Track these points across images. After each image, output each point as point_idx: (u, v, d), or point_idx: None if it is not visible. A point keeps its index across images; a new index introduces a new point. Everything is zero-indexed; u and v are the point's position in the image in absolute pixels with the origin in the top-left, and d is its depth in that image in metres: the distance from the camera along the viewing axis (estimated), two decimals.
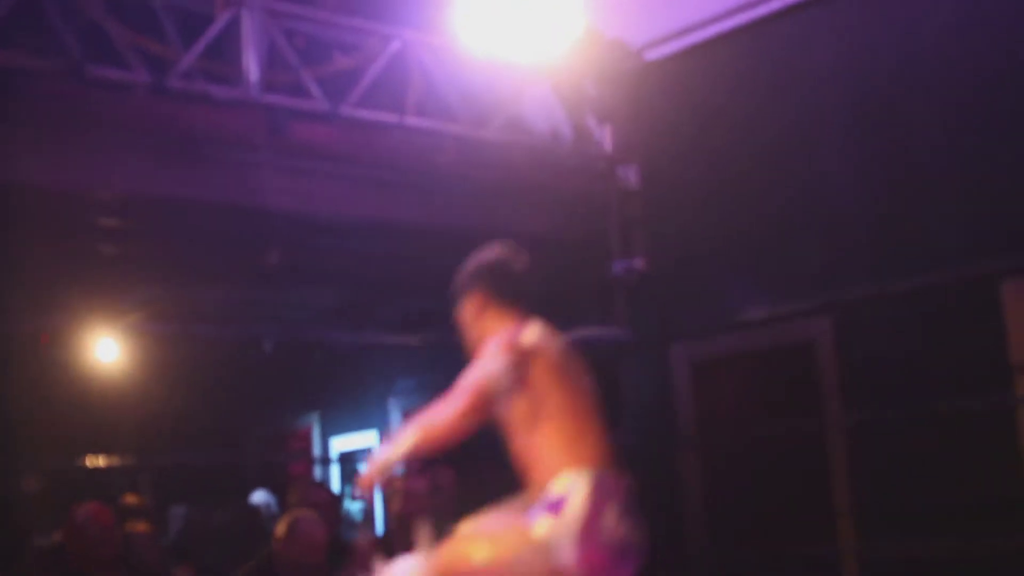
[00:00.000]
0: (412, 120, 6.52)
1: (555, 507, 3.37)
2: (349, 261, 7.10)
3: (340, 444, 9.93)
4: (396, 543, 5.99)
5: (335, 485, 9.83)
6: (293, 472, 9.43)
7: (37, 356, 8.26)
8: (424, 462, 7.14)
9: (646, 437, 6.77)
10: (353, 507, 9.66)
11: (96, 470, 6.54)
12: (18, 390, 9.08)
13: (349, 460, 9.80)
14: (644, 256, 6.95)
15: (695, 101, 6.85)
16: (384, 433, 9.21)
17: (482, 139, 6.66)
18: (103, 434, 9.45)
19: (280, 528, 5.55)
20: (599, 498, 3.42)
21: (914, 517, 5.76)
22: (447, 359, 8.15)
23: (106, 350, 7.29)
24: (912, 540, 5.72)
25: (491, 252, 4.01)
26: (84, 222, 6.24)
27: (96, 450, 8.20)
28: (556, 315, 6.70)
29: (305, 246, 6.69)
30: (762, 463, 6.49)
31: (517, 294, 3.98)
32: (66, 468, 5.16)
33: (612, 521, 3.45)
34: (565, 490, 3.39)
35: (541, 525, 3.35)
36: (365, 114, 6.35)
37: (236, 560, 5.90)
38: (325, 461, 10.02)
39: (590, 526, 3.37)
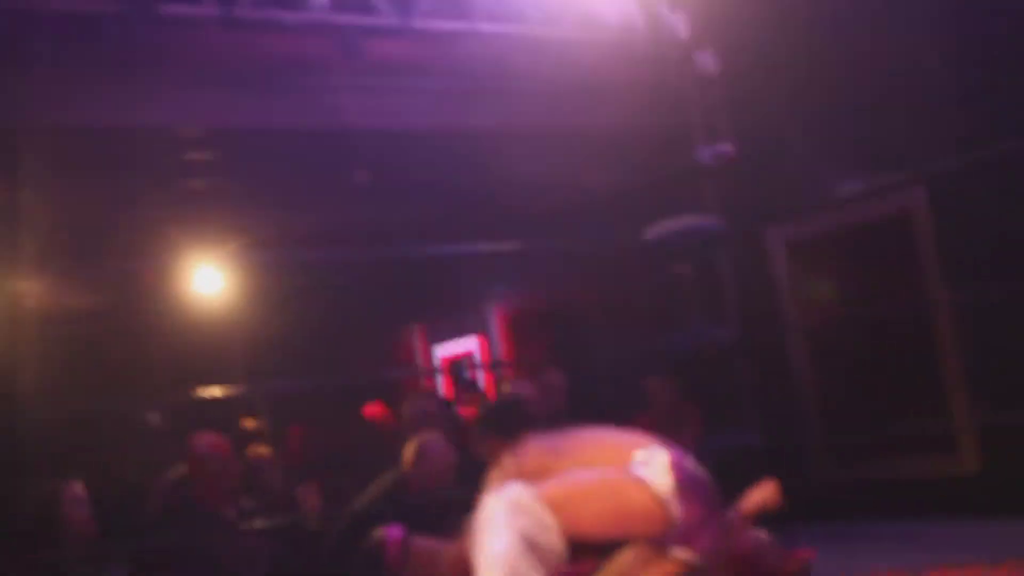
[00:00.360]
0: (483, 25, 6.46)
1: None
2: (434, 173, 7.12)
3: (443, 351, 10.05)
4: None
5: (441, 391, 9.98)
6: (403, 384, 9.57)
7: (145, 295, 8.45)
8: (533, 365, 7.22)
9: (751, 324, 6.75)
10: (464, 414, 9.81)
11: (213, 400, 6.68)
12: (131, 329, 9.33)
13: (455, 367, 9.93)
14: (730, 141, 6.85)
15: None
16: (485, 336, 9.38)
17: (554, 38, 6.58)
18: (215, 365, 9.69)
19: (408, 452, 5.63)
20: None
21: None
22: (541, 263, 8.25)
23: (209, 282, 7.42)
24: None
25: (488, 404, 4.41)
26: (174, 159, 6.34)
27: (210, 381, 8.40)
28: (647, 208, 6.72)
29: (390, 162, 6.73)
30: (867, 341, 6.43)
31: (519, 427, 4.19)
32: (185, 400, 5.28)
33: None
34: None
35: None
36: (436, 24, 6.30)
37: (358, 477, 6.01)
38: (430, 371, 10.15)
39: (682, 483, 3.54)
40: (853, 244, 6.56)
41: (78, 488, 5.09)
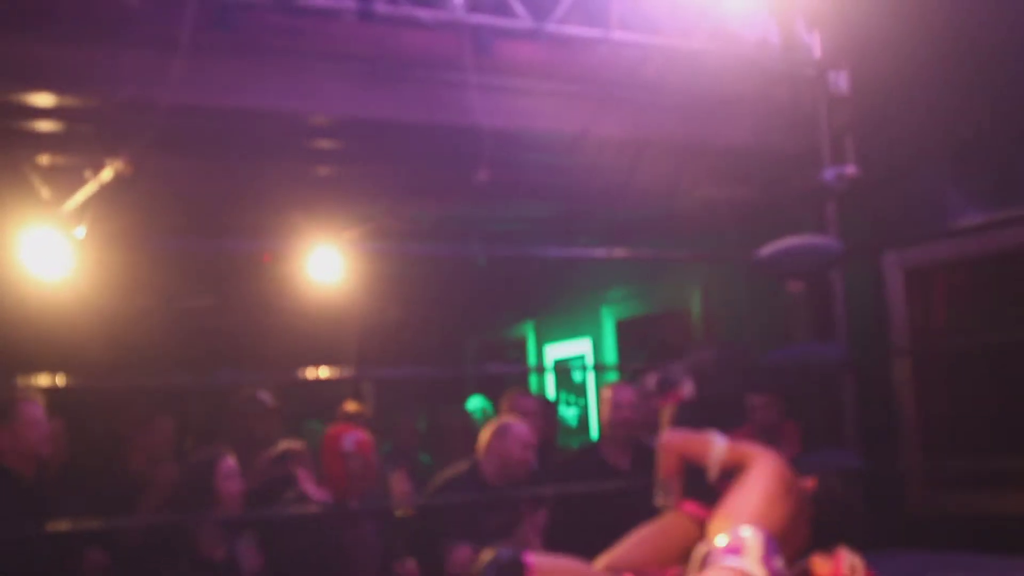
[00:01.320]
0: (616, 34, 6.50)
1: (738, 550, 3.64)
2: (557, 175, 7.19)
3: (554, 351, 10.11)
4: (607, 450, 6.15)
5: (550, 391, 10.04)
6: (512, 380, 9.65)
7: (261, 274, 8.66)
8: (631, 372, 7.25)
9: (860, 347, 6.71)
10: (568, 414, 9.86)
11: (321, 382, 6.84)
12: (245, 307, 9.56)
13: (563, 367, 9.98)
14: (855, 163, 6.81)
15: (908, 1, 6.64)
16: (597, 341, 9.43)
17: (688, 49, 6.60)
18: (325, 348, 9.88)
19: (485, 433, 5.73)
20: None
21: None
22: (658, 269, 8.28)
23: (326, 267, 7.55)
24: None
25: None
26: (301, 145, 6.49)
27: (319, 363, 8.58)
28: (768, 225, 6.71)
29: (514, 162, 6.81)
30: (977, 374, 6.36)
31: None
32: (293, 380, 5.43)
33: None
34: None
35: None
36: (569, 30, 6.36)
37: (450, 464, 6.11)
38: (540, 369, 10.22)
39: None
40: (971, 274, 6.49)
41: (231, 461, 5.24)
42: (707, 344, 4.72)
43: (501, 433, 5.73)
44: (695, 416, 4.63)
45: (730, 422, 6.59)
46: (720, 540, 3.95)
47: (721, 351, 4.63)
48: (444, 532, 5.57)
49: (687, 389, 4.55)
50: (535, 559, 4.02)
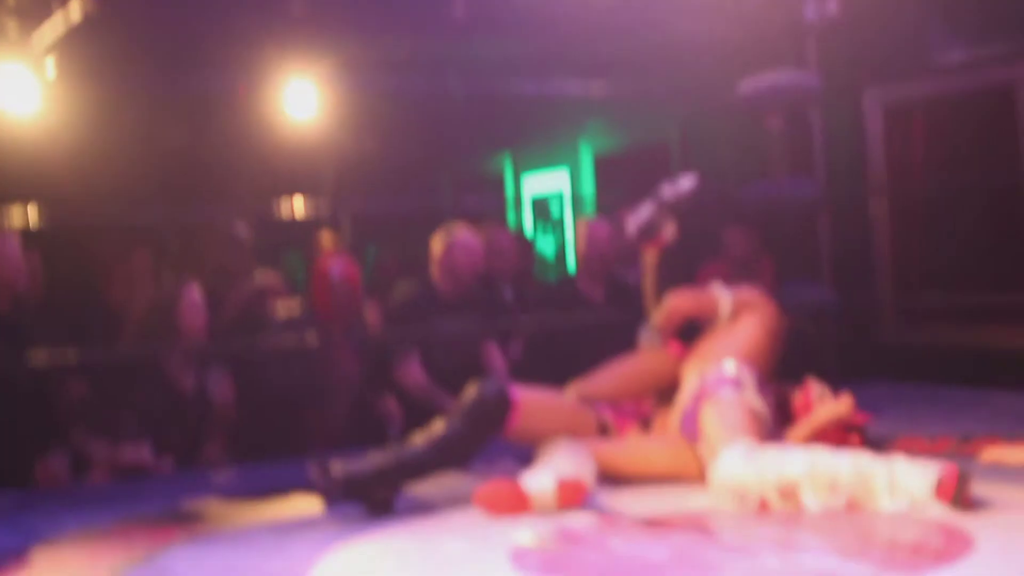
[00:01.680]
0: None
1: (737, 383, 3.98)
2: (534, 10, 7.08)
3: (532, 183, 10.09)
4: (583, 282, 6.20)
5: (528, 224, 10.06)
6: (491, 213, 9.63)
7: (236, 109, 8.56)
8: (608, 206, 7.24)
9: (838, 182, 6.72)
10: (547, 247, 9.90)
11: (297, 216, 6.84)
12: (221, 141, 9.47)
13: (541, 199, 9.98)
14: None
15: None
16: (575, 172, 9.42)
17: None
18: (302, 181, 9.83)
19: (436, 244, 5.78)
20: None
21: None
22: (637, 103, 8.21)
23: (301, 102, 7.48)
24: None
25: None
26: None
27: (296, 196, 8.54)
28: (747, 62, 6.64)
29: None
30: (954, 211, 6.39)
31: None
32: (269, 214, 5.45)
33: None
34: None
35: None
36: None
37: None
38: (517, 203, 10.20)
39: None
40: (951, 112, 6.47)
41: (196, 292, 5.26)
42: (682, 177, 4.70)
43: (447, 243, 5.78)
44: (676, 256, 4.67)
45: (706, 254, 6.69)
46: (711, 374, 4.05)
47: (698, 185, 4.61)
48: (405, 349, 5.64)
49: (669, 232, 4.56)
50: (520, 393, 4.09)
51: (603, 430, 4.27)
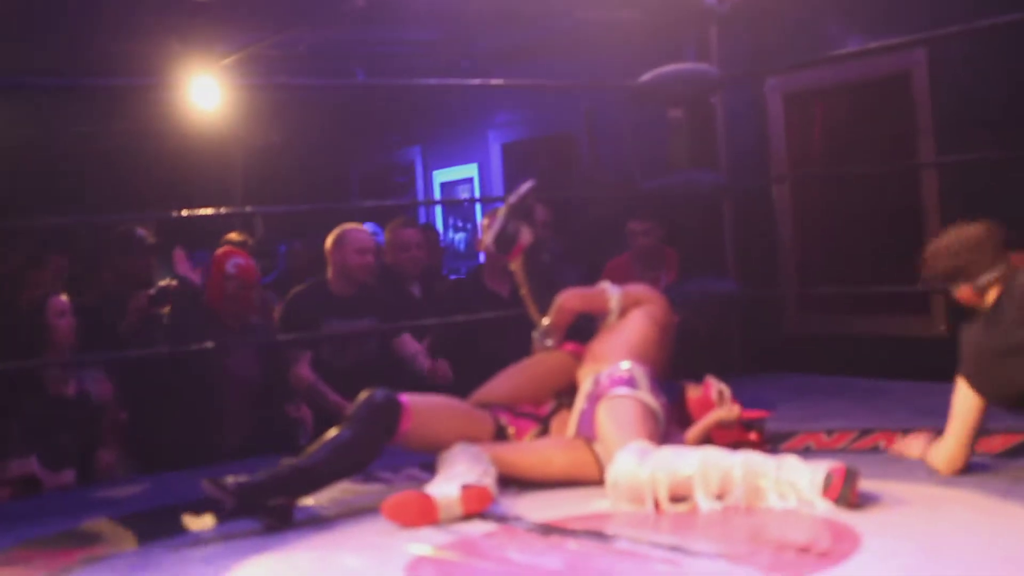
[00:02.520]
0: None
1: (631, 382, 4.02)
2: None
3: (442, 177, 10.07)
4: (489, 277, 6.20)
5: (438, 219, 10.05)
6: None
7: (141, 107, 8.48)
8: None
9: (740, 173, 6.78)
10: (457, 238, 9.90)
11: (210, 217, 6.80)
12: (126, 141, 9.37)
13: (449, 198, 9.96)
14: None
15: None
16: (483, 166, 9.41)
17: None
18: (210, 174, 9.75)
19: (328, 241, 5.79)
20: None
21: None
22: (543, 93, 8.23)
23: (205, 95, 7.41)
24: None
25: None
26: None
27: (205, 195, 8.47)
28: (650, 50, 6.67)
29: None
30: (855, 199, 6.47)
31: None
32: (178, 216, 5.42)
33: None
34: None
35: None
36: None
37: None
38: (427, 200, 10.18)
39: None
40: (850, 101, 6.54)
41: (62, 300, 5.23)
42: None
43: (338, 242, 5.78)
44: (542, 260, 4.71)
45: (610, 247, 6.72)
46: (605, 374, 4.08)
47: (534, 186, 4.64)
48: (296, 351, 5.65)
49: (526, 238, 4.56)
50: (409, 398, 4.08)
51: (501, 434, 4.27)
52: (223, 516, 3.79)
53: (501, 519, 3.72)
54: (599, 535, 3.45)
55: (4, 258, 6.28)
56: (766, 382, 6.21)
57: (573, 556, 3.29)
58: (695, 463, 3.59)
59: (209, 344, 5.28)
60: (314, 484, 3.93)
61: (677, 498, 3.60)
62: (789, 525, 3.40)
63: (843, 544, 3.14)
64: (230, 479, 3.78)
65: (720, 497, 3.57)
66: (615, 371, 4.10)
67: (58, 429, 5.11)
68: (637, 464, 3.64)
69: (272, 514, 3.80)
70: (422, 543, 3.50)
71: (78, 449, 5.20)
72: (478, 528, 3.65)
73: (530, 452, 4.15)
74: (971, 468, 3.75)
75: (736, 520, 3.49)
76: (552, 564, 3.23)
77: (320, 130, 9.88)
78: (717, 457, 3.63)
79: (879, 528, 3.24)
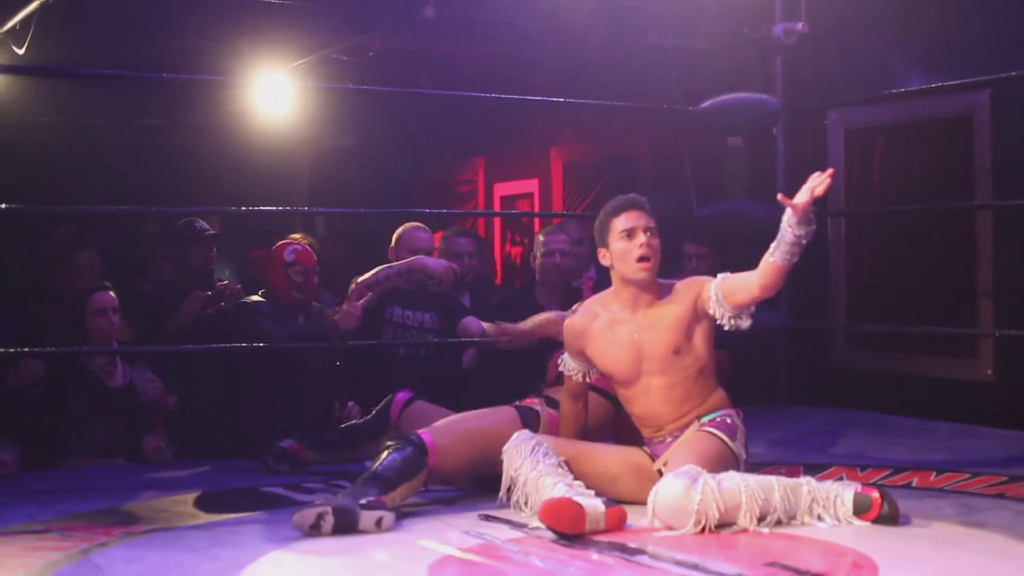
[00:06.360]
0: None
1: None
2: (507, 14, 7.16)
3: (502, 189, 10.13)
4: (540, 292, 6.27)
5: (497, 231, 10.11)
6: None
7: (214, 106, 8.63)
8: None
9: None
10: (514, 252, 9.95)
11: (273, 216, 6.93)
12: (196, 129, 9.53)
13: (509, 209, 10.01)
14: (806, 20, 6.79)
15: None
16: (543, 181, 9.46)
17: None
18: (278, 173, 9.90)
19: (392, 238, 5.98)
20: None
21: None
22: (607, 112, 8.26)
23: (275, 96, 7.56)
24: None
25: None
26: None
27: (271, 189, 8.61)
28: (715, 78, 6.71)
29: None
30: (908, 236, 6.46)
31: None
32: (240, 213, 5.54)
33: None
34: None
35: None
36: None
37: None
38: (488, 214, 10.23)
39: None
40: (911, 139, 6.53)
41: (102, 298, 5.36)
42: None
43: (398, 240, 6.09)
44: None
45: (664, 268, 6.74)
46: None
47: None
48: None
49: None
50: (430, 437, 4.22)
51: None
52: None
53: (527, 526, 3.79)
54: (623, 548, 3.51)
55: (53, 240, 6.44)
56: (808, 414, 6.23)
57: (594, 567, 3.35)
58: (740, 488, 3.66)
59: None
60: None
61: (723, 524, 3.65)
62: (810, 551, 3.44)
63: (860, 573, 3.18)
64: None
65: (761, 519, 3.65)
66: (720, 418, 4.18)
67: (106, 418, 5.31)
68: (687, 487, 3.67)
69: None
70: (447, 544, 3.58)
71: (126, 436, 5.36)
72: (504, 533, 3.72)
73: (597, 465, 4.18)
74: (1001, 511, 3.79)
75: (759, 543, 3.53)
76: (572, 574, 3.28)
77: (388, 136, 9.99)
78: (759, 481, 3.70)
79: (897, 560, 3.27)
